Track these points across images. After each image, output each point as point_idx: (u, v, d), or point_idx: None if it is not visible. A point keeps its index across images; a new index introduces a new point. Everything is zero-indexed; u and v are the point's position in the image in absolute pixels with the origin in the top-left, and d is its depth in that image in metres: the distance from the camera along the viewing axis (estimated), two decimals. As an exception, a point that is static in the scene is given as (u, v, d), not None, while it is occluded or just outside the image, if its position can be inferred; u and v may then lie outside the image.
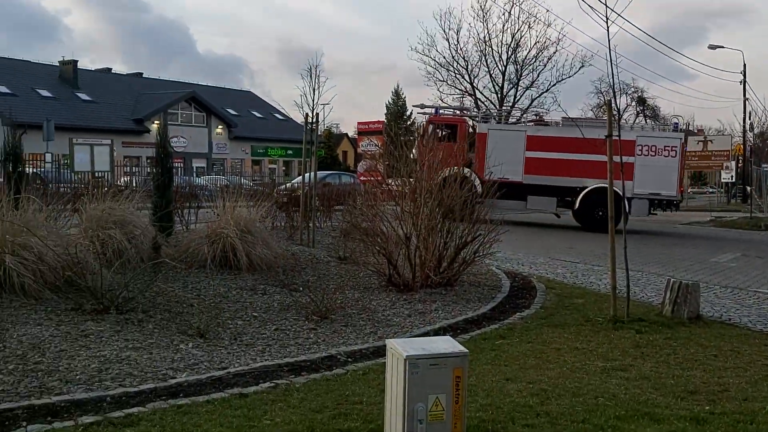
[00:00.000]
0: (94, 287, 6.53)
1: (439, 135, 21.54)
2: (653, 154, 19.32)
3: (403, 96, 70.86)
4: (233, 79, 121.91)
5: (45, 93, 41.74)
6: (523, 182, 19.68)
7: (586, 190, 19.37)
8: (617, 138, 23.10)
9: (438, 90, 40.84)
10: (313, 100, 12.80)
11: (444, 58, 40.35)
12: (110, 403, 4.28)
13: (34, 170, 22.57)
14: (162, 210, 9.12)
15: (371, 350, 5.95)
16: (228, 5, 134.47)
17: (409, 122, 55.37)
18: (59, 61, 45.53)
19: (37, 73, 43.78)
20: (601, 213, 18.79)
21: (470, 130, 22.31)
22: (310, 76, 12.11)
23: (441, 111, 22.74)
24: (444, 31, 41.69)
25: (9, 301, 6.56)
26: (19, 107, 35.48)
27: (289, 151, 53.19)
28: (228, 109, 51.18)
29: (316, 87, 12.02)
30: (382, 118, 52.15)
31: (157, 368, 5.03)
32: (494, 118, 23.40)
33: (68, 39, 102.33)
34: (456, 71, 40.68)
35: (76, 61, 45.41)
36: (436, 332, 6.77)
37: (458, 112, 24.16)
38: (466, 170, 20.84)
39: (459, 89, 41.21)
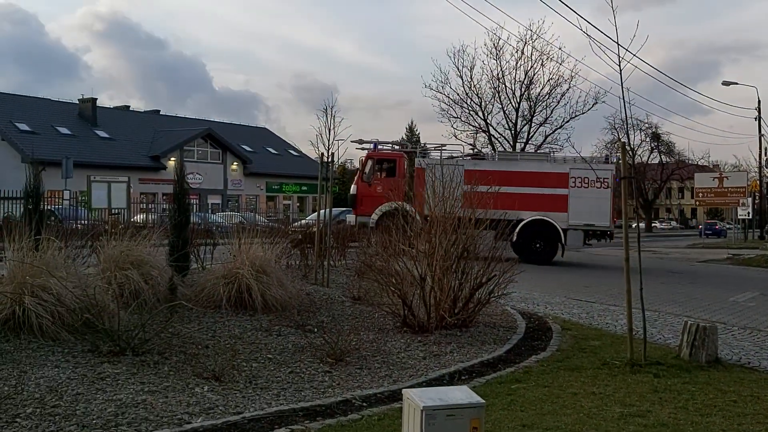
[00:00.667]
0: (110, 329, 6.58)
1: (379, 170, 21.96)
2: (586, 185, 19.84)
3: (417, 132, 71.47)
4: (249, 115, 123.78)
5: (64, 130, 42.50)
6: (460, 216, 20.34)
7: (523, 223, 19.76)
8: (550, 172, 23.05)
9: (452, 126, 41.19)
10: (328, 139, 12.98)
11: (458, 94, 40.78)
12: (126, 449, 4.29)
13: (49, 207, 22.86)
14: (179, 250, 9.21)
15: (386, 394, 5.92)
16: (244, 42, 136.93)
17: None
18: (79, 99, 46.47)
19: (56, 110, 44.66)
20: (538, 245, 20.08)
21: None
22: (326, 115, 12.31)
23: (379, 146, 22.74)
24: (457, 69, 42.15)
25: (27, 342, 6.62)
26: (38, 144, 36.13)
27: (304, 187, 53.57)
28: (243, 146, 51.79)
29: (332, 126, 12.20)
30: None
31: (173, 412, 5.04)
32: (430, 154, 23.18)
33: (87, 76, 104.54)
34: (470, 108, 41.05)
35: (95, 99, 46.34)
36: (452, 375, 6.74)
37: (397, 147, 24.05)
38: (407, 205, 21.20)
39: (473, 126, 41.53)
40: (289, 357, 7.09)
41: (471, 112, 41.18)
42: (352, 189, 22.18)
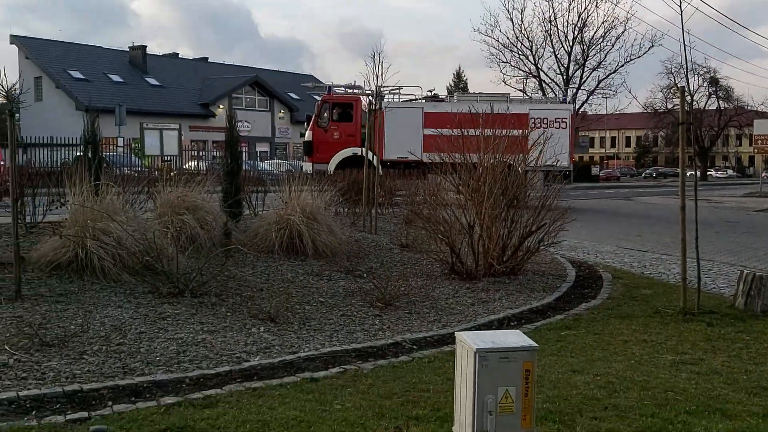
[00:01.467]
0: (170, 272, 6.81)
1: (332, 115, 20.98)
2: (546, 126, 19.46)
3: (464, 78, 70.32)
4: (294, 63, 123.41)
5: (116, 78, 43.20)
6: (422, 160, 19.61)
7: None
8: (515, 113, 21.20)
9: (501, 72, 40.43)
10: (376, 86, 12.93)
11: (507, 38, 39.94)
12: (189, 384, 4.50)
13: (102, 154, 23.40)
14: (232, 196, 9.39)
15: (436, 338, 6.03)
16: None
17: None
18: (129, 47, 47.03)
19: (108, 58, 45.31)
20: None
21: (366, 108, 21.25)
22: (373, 61, 12.25)
23: (334, 89, 21.81)
24: (508, 11, 41.31)
25: (90, 284, 6.91)
26: (91, 92, 36.85)
27: (350, 135, 53.49)
28: (290, 94, 51.82)
29: (379, 73, 12.16)
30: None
31: (232, 351, 5.23)
32: (390, 96, 21.91)
33: (136, 24, 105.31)
34: (520, 52, 40.13)
35: (145, 47, 46.79)
36: (500, 322, 6.79)
37: (350, 90, 22.33)
38: (364, 150, 19.43)
39: (523, 71, 40.65)
40: (340, 301, 7.25)
41: (521, 57, 40.31)
42: (307, 135, 21.26)
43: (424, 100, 21.58)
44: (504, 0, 48.84)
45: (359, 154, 19.27)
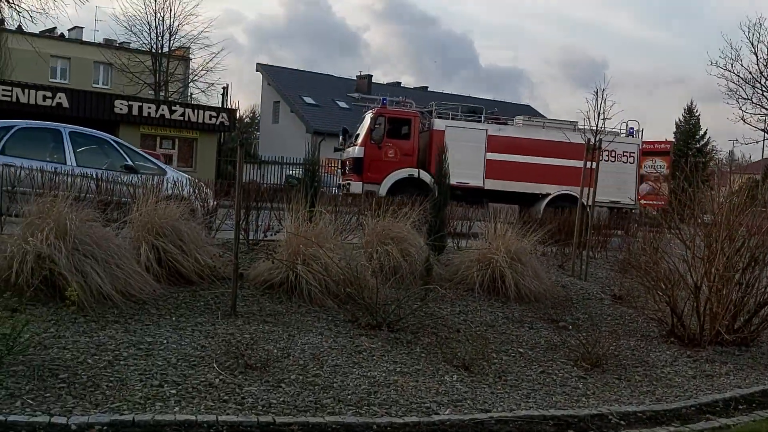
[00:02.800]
0: (370, 303, 6.85)
1: (387, 130, 18.24)
2: (613, 159, 18.61)
3: (696, 113, 64.96)
4: (512, 91, 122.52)
5: (342, 104, 46.05)
6: (484, 187, 18.07)
7: (550, 197, 18.32)
8: (576, 143, 16.24)
9: (740, 109, 36.64)
10: (596, 123, 12.21)
11: (750, 73, 36.04)
12: (375, 431, 4.38)
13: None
14: (436, 230, 9.32)
15: (648, 415, 5.35)
16: (513, 17, 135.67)
17: (703, 142, 50.60)
18: (357, 76, 49.92)
19: (337, 86, 48.49)
20: None
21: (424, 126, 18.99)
22: (595, 98, 11.59)
23: (388, 102, 18.95)
24: (752, 44, 37.15)
25: (297, 306, 7.18)
26: (320, 117, 39.60)
27: (564, 168, 51.84)
28: (505, 123, 51.51)
29: (602, 111, 11.48)
30: (670, 137, 48.25)
31: (422, 399, 5.05)
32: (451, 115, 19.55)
33: (366, 53, 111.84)
34: (764, 87, 36.09)
35: (371, 76, 49.40)
36: (726, 402, 5.90)
37: (404, 104, 19.84)
38: (422, 172, 17.85)
39: (766, 108, 36.50)
40: (540, 354, 6.79)
41: (765, 93, 36.20)
42: (357, 151, 18.35)
43: (487, 122, 19.66)
44: (748, 33, 44.19)
45: (415, 175, 17.94)
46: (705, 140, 52.78)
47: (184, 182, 9.44)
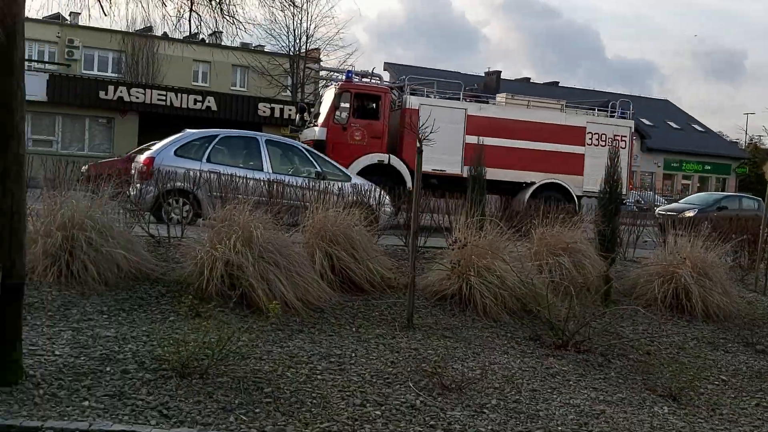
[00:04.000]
0: (554, 321, 6.46)
1: (354, 109, 15.17)
2: (603, 144, 16.20)
3: None
4: (640, 84, 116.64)
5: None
6: (462, 175, 14.48)
7: (535, 186, 15.99)
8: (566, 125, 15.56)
9: None
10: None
11: None
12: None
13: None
14: (608, 239, 8.75)
15: None
16: (641, 7, 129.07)
17: None
18: (485, 72, 49.18)
19: (465, 82, 47.98)
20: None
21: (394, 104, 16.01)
22: None
23: (353, 76, 16.00)
24: None
25: (471, 320, 6.91)
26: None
27: (707, 167, 48.62)
28: (642, 119, 48.95)
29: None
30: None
31: (636, 434, 4.63)
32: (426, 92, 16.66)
33: (485, 48, 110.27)
34: None
35: (499, 72, 48.45)
36: None
37: (374, 80, 16.87)
38: (393, 158, 14.98)
39: None
40: (746, 383, 6.14)
41: None
42: (318, 133, 15.16)
43: (466, 100, 16.89)
44: None
45: (385, 161, 15.14)
46: None
47: (369, 189, 9.46)
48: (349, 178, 10.37)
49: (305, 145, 11.56)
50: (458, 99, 16.65)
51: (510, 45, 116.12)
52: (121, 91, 24.90)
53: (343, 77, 16.00)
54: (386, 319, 6.62)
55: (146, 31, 32.38)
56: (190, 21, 5.25)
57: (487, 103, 17.52)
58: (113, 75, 32.96)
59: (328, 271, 7.02)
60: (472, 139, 14.72)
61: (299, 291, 6.42)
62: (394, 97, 16.06)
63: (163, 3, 4.81)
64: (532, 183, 16.22)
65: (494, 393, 5.01)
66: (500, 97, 18.01)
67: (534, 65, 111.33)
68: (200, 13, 5.49)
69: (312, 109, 17.72)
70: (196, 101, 25.48)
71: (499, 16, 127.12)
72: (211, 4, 5.07)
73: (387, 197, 9.52)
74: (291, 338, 5.75)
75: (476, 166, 8.57)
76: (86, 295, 5.95)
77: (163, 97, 25.22)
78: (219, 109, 25.35)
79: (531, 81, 54.22)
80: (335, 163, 11.38)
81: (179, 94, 25.54)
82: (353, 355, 5.47)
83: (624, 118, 17.80)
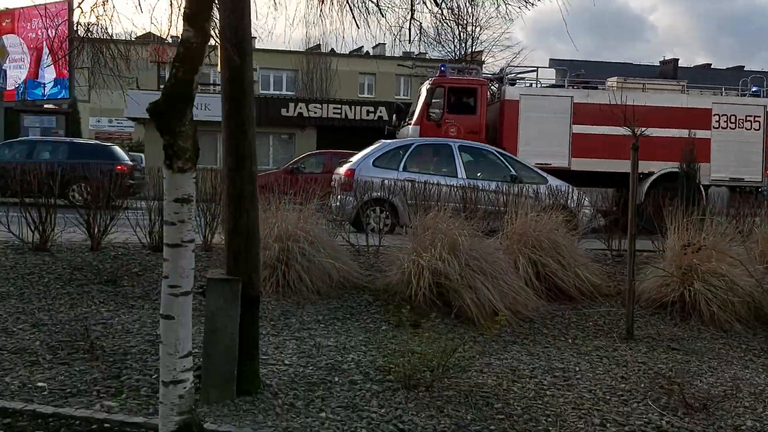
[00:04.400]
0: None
1: (448, 104, 14.01)
2: (733, 126, 14.53)
3: None
4: None
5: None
6: (570, 168, 13.81)
7: (654, 177, 13.71)
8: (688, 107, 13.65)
9: None
10: None
11: None
12: None
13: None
14: None
15: None
16: None
17: None
18: (660, 61, 46.19)
19: (639, 72, 45.32)
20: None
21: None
22: None
23: (448, 70, 14.68)
24: None
25: (697, 330, 6.31)
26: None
27: None
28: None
29: None
30: None
31: None
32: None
33: (653, 36, 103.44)
34: None
35: (677, 60, 45.26)
36: None
37: (468, 71, 15.51)
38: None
39: None
40: None
41: None
42: (412, 131, 14.35)
43: (571, 87, 15.11)
44: None
45: None
46: None
47: (567, 191, 9.10)
48: (545, 180, 10.01)
49: (499, 149, 11.32)
50: (563, 86, 15.83)
51: (679, 31, 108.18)
52: (300, 108, 26.14)
53: (438, 72, 15.38)
54: (602, 330, 6.21)
55: (315, 49, 33.87)
56: (410, 28, 5.23)
57: (596, 89, 16.25)
58: (289, 93, 34.77)
59: (533, 278, 6.74)
60: (579, 129, 14.39)
61: (507, 300, 6.20)
62: (493, 90, 15.55)
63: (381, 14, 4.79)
64: (651, 173, 14.52)
65: (746, 413, 4.46)
66: (611, 81, 16.53)
67: (709, 51, 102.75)
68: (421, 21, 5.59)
69: (404, 109, 17.39)
70: (368, 112, 26.16)
71: (666, 1, 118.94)
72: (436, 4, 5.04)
73: (586, 199, 9.04)
74: (506, 350, 5.54)
75: (688, 161, 7.88)
76: (301, 304, 6.14)
77: (339, 110, 26.13)
78: (390, 118, 25.79)
79: (712, 67, 50.12)
80: (531, 165, 11.07)
81: (353, 107, 26.36)
82: (577, 369, 5.14)
83: (757, 95, 15.83)
